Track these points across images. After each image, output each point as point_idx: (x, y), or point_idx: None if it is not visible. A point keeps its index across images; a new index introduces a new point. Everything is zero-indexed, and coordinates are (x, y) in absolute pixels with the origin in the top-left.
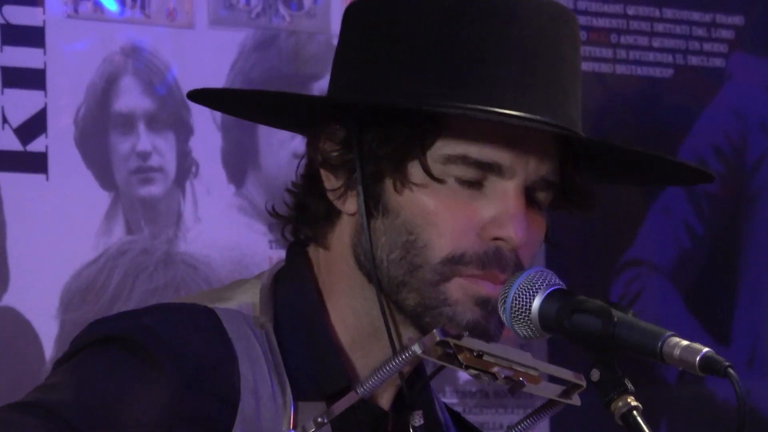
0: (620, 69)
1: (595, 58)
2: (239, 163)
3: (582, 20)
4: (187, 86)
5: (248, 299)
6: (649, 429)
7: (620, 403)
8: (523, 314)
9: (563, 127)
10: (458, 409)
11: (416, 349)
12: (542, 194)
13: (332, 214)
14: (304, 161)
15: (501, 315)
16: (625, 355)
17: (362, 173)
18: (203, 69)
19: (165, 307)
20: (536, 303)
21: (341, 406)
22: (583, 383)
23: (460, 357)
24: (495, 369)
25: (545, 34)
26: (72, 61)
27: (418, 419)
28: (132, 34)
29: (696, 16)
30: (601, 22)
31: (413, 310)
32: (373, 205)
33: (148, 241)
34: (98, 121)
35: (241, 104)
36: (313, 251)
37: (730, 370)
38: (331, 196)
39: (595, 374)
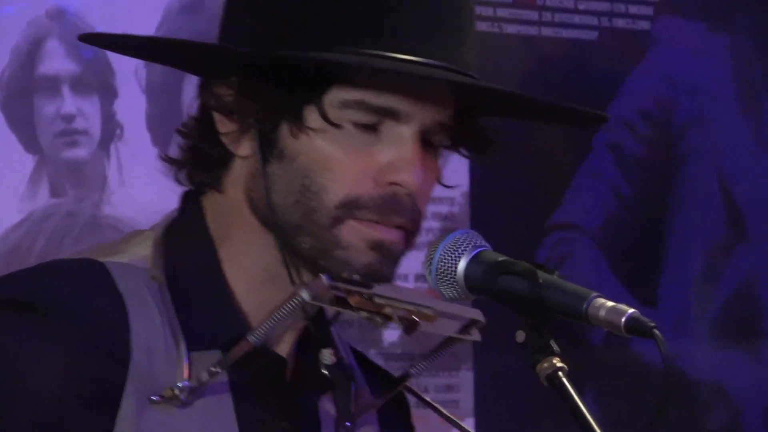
0: (546, 32)
1: (521, 21)
2: (164, 127)
3: None
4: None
5: (141, 251)
6: (574, 390)
7: (546, 365)
8: (449, 276)
9: (461, 72)
10: None
11: (304, 295)
12: (438, 138)
13: (226, 158)
14: (197, 104)
15: (427, 276)
16: (551, 317)
17: (258, 117)
18: (129, 29)
19: (58, 264)
20: (462, 264)
21: (235, 354)
22: (482, 319)
23: (351, 300)
24: (388, 310)
25: None
26: None
27: (329, 357)
28: None
29: None
30: None
31: (308, 254)
32: (269, 149)
33: (74, 205)
34: (23, 85)
35: (136, 49)
36: (208, 198)
37: (656, 331)
38: (225, 139)
39: (521, 336)
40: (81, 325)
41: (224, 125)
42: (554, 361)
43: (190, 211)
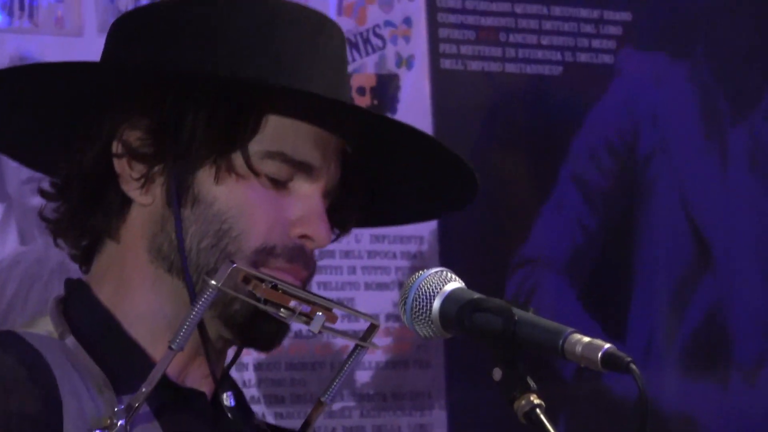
0: (510, 68)
1: (484, 57)
2: None
3: (470, 20)
4: None
5: (44, 327)
6: (552, 427)
7: (523, 402)
8: (424, 315)
9: (382, 116)
10: (356, 412)
11: (212, 282)
12: (327, 201)
13: (123, 205)
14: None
15: (402, 316)
16: (525, 353)
17: (176, 162)
18: None
19: None
20: (436, 303)
21: (158, 370)
22: (378, 323)
23: (257, 291)
24: (292, 303)
25: (341, 43)
26: None
27: (230, 400)
28: (20, 43)
29: (584, 12)
30: (490, 21)
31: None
32: (181, 194)
33: (42, 251)
34: None
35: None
36: (102, 252)
37: (632, 366)
38: (126, 186)
39: (497, 373)
40: (6, 375)
41: (127, 171)
42: (531, 398)
43: (74, 286)
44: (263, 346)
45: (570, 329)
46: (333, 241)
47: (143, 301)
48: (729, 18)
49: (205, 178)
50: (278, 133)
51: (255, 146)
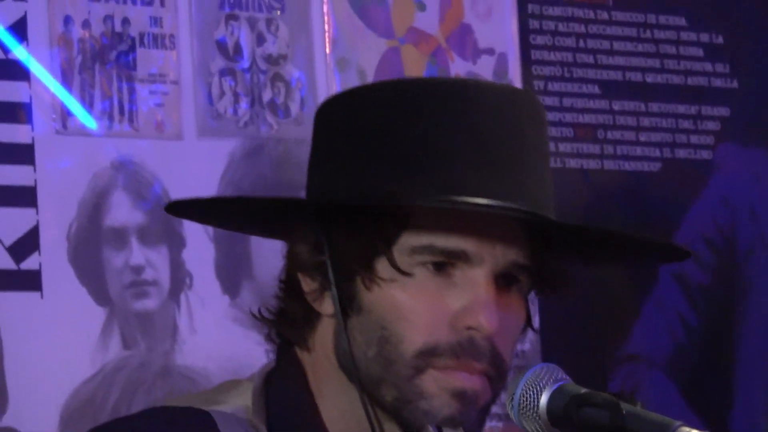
0: (608, 165)
1: (582, 155)
2: (233, 274)
3: (568, 117)
4: (177, 197)
5: (241, 402)
6: None
7: None
8: (531, 411)
9: (525, 210)
10: None
11: None
12: (516, 279)
13: (312, 317)
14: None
15: (509, 412)
16: None
17: (334, 274)
18: (193, 180)
19: (161, 411)
20: (544, 399)
21: None
22: None
23: None
24: None
25: (504, 117)
26: (62, 178)
27: None
28: (121, 148)
29: (682, 108)
30: (587, 119)
31: (392, 405)
32: (348, 304)
33: (145, 355)
34: (90, 237)
35: (213, 215)
36: (299, 353)
37: None
38: (308, 298)
39: None
40: None
41: (307, 284)
42: None
43: (287, 363)
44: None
45: (678, 422)
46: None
47: (336, 404)
48: None
49: (361, 287)
50: (425, 225)
51: (402, 244)
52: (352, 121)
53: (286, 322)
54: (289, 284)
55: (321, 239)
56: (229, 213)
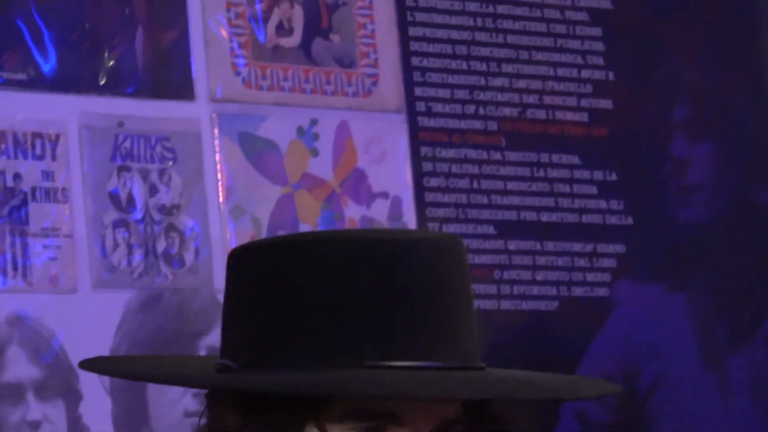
0: (505, 305)
1: (479, 296)
2: (130, 426)
3: None
4: (73, 351)
5: None
6: None
7: None
8: None
9: (456, 367)
10: None
11: None
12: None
13: None
14: (201, 421)
15: None
16: None
17: None
18: (89, 333)
19: None
20: None
21: None
22: None
23: None
24: None
25: (434, 272)
26: None
27: None
28: (15, 304)
29: (577, 246)
30: (483, 259)
31: None
32: None
33: None
34: None
35: (132, 372)
36: None
37: None
38: None
39: None
40: None
41: None
42: None
43: None
44: None
45: None
46: None
47: None
48: (723, 246)
49: None
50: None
51: (332, 412)
52: (269, 279)
53: None
54: None
55: (249, 404)
56: (150, 376)
